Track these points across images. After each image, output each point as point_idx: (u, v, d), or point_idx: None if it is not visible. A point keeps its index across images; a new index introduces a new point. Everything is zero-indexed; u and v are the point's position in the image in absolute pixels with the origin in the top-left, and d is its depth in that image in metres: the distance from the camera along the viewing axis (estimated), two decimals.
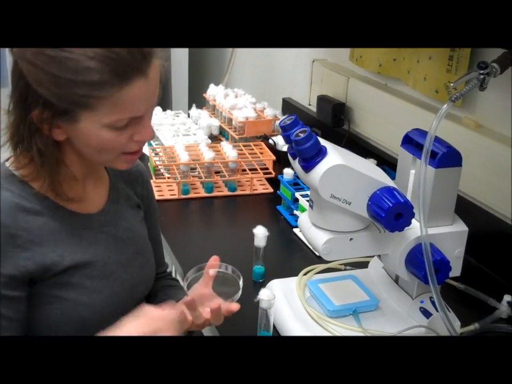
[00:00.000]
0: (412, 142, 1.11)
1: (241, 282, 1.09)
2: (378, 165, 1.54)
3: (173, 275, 1.59)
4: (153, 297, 1.24)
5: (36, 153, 0.97)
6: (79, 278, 1.02)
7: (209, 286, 1.12)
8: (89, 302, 1.02)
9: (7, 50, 0.98)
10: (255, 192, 1.84)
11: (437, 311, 1.07)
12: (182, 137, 2.04)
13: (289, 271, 1.33)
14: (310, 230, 1.10)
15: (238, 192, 1.83)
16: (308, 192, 1.58)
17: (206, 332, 1.26)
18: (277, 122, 2.14)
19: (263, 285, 1.30)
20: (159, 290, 1.26)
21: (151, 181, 1.83)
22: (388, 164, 1.71)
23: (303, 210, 1.55)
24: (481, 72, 1.05)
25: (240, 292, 1.07)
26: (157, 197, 1.74)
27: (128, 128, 0.97)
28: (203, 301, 1.09)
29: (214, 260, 1.14)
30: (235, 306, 1.06)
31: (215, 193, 1.82)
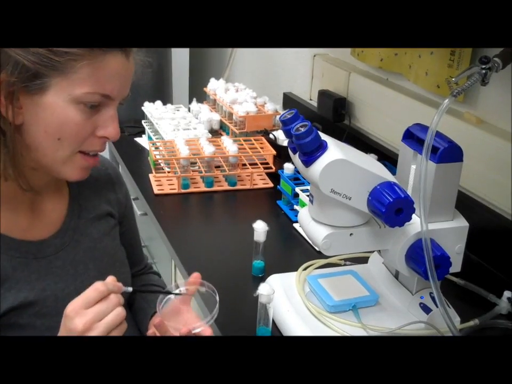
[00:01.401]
0: (413, 137, 1.11)
1: (217, 299, 1.03)
2: (379, 160, 1.54)
3: (172, 270, 1.59)
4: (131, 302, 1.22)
5: None
6: (27, 318, 0.95)
7: (188, 303, 1.06)
8: None
9: None
10: (255, 186, 1.83)
11: (437, 306, 1.07)
12: (182, 132, 2.04)
13: (288, 266, 1.33)
14: (310, 225, 1.09)
15: (238, 187, 1.83)
16: (308, 187, 1.58)
17: None
18: (278, 117, 2.12)
19: (262, 279, 1.30)
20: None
21: (151, 175, 1.84)
22: (388, 159, 1.71)
23: (303, 205, 1.55)
24: (483, 67, 1.04)
25: (215, 312, 1.01)
26: (156, 191, 1.75)
27: (95, 115, 0.91)
28: (179, 317, 1.04)
29: (196, 277, 1.05)
30: (207, 332, 0.99)
31: (215, 188, 1.81)
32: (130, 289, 0.94)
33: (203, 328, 0.99)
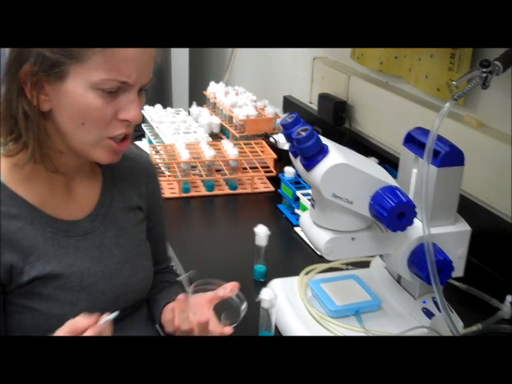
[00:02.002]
0: (414, 141, 1.10)
1: (243, 308, 1.05)
2: (379, 163, 1.54)
3: None
4: (153, 294, 1.22)
5: (22, 118, 0.93)
6: (51, 289, 0.98)
7: (212, 304, 1.07)
8: (61, 314, 0.97)
9: None
10: (256, 190, 1.83)
11: (440, 311, 1.06)
12: (183, 135, 2.03)
13: (290, 270, 1.33)
14: (311, 229, 1.09)
15: (238, 191, 1.82)
16: (309, 191, 1.58)
17: None
18: (278, 120, 2.13)
19: (264, 284, 1.30)
20: (154, 287, 1.23)
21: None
22: (389, 162, 1.70)
23: (304, 209, 1.55)
24: (484, 70, 1.04)
25: (240, 319, 1.03)
26: None
27: (115, 100, 0.93)
28: (197, 310, 1.04)
29: (234, 286, 1.06)
30: (227, 330, 1.01)
31: (215, 192, 1.81)
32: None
33: (223, 328, 1.01)
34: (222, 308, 1.08)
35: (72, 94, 0.92)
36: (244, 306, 1.06)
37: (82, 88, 0.91)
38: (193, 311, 1.03)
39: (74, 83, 0.91)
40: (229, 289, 1.06)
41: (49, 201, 1.01)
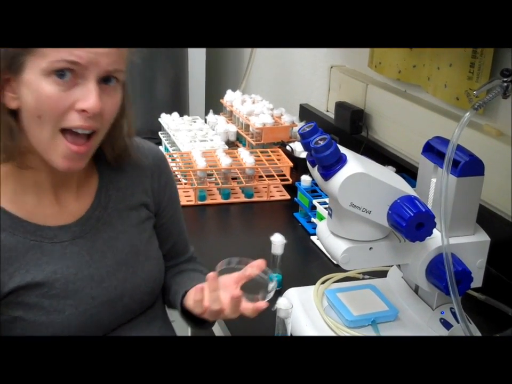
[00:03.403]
0: (433, 150, 1.09)
1: (273, 286, 1.03)
2: (396, 172, 1.53)
3: None
4: (170, 280, 1.21)
5: None
6: (35, 298, 0.97)
7: (239, 284, 1.04)
8: (48, 322, 0.97)
9: None
10: (272, 198, 1.83)
11: (458, 322, 1.05)
12: (199, 143, 2.04)
13: (306, 279, 1.32)
14: (328, 238, 1.08)
15: (254, 199, 1.82)
16: (326, 200, 1.57)
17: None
18: (295, 128, 2.13)
19: (280, 293, 1.29)
20: (179, 273, 1.22)
21: None
22: (406, 171, 1.69)
23: (320, 217, 1.54)
24: (505, 79, 1.03)
25: (270, 296, 1.02)
26: None
27: (72, 89, 0.91)
28: (226, 290, 1.02)
29: (261, 263, 1.05)
30: (261, 304, 1.00)
31: (231, 200, 1.81)
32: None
33: (255, 304, 1.00)
34: (251, 287, 1.05)
35: (28, 85, 0.91)
36: (273, 284, 1.04)
37: (36, 77, 0.90)
38: (222, 291, 1.00)
39: (30, 73, 0.91)
40: (255, 267, 1.04)
41: (35, 210, 1.01)
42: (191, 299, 1.06)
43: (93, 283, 1.03)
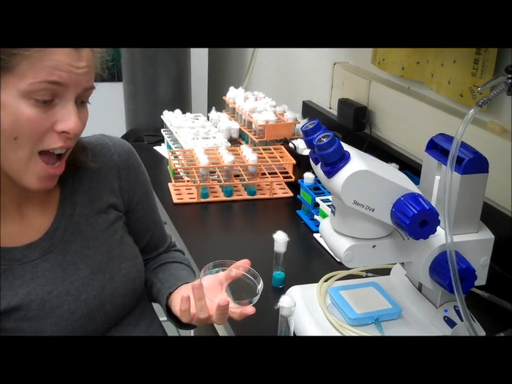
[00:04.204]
0: (436, 147, 1.09)
1: (260, 288, 1.04)
2: (400, 169, 1.52)
3: None
4: (152, 274, 1.20)
5: None
6: (13, 322, 0.95)
7: (224, 285, 1.05)
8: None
9: None
10: (275, 196, 1.82)
11: (462, 320, 1.05)
12: (202, 140, 2.03)
13: (309, 277, 1.31)
14: (331, 236, 1.08)
15: (257, 196, 1.82)
16: (329, 197, 1.56)
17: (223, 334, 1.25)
18: (297, 125, 2.12)
19: (283, 291, 1.29)
20: (160, 266, 1.21)
21: (170, 184, 1.83)
22: (409, 168, 1.69)
23: (323, 215, 1.53)
24: (509, 76, 1.02)
25: (257, 298, 1.02)
26: (176, 201, 1.74)
27: (51, 110, 0.89)
28: (212, 295, 1.02)
29: (245, 263, 1.05)
30: (250, 310, 1.00)
31: (234, 197, 1.80)
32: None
33: (242, 308, 1.00)
34: (238, 289, 1.05)
35: (3, 107, 0.87)
36: (260, 285, 1.04)
37: (13, 99, 0.87)
38: (208, 297, 1.00)
39: (6, 94, 0.87)
40: (240, 267, 1.04)
41: (1, 233, 0.97)
42: (177, 307, 1.04)
43: (69, 298, 1.00)
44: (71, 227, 1.04)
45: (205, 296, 0.99)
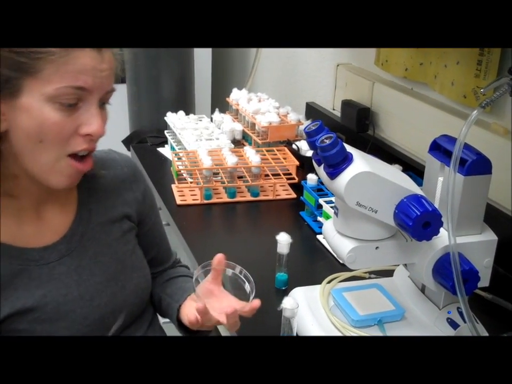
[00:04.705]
0: (440, 149, 1.09)
1: (247, 287, 1.04)
2: (403, 171, 1.52)
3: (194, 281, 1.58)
4: (160, 290, 1.21)
5: None
6: (27, 324, 0.95)
7: (218, 282, 1.05)
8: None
9: None
10: (278, 197, 1.82)
11: (465, 322, 1.04)
12: (205, 142, 2.03)
13: (312, 278, 1.31)
14: (334, 237, 1.08)
15: (260, 198, 1.82)
16: (332, 199, 1.56)
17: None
18: (301, 127, 2.12)
19: (285, 292, 1.29)
20: (167, 282, 1.22)
21: (173, 185, 1.83)
22: (413, 169, 1.68)
23: (327, 216, 1.53)
24: None
25: (251, 296, 1.02)
26: (179, 202, 1.74)
27: (75, 114, 0.90)
28: (212, 298, 1.03)
29: (219, 258, 1.04)
30: (257, 302, 0.99)
31: (237, 199, 1.80)
32: None
33: (250, 304, 1.00)
34: (235, 290, 1.06)
35: (27, 110, 0.88)
36: (247, 285, 1.04)
37: (38, 102, 0.88)
38: (210, 307, 1.00)
39: (30, 98, 0.88)
40: (216, 262, 1.04)
41: (18, 232, 0.98)
42: (186, 317, 1.07)
43: (83, 302, 1.01)
44: (87, 233, 1.06)
45: (210, 307, 1.00)
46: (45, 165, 0.93)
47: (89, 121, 0.92)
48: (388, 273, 1.29)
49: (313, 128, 1.01)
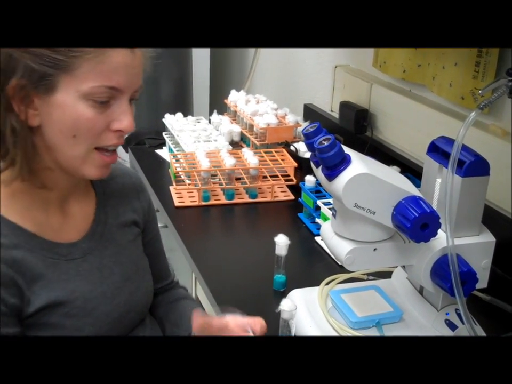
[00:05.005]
0: (438, 150, 1.09)
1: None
2: (401, 172, 1.52)
3: (192, 283, 1.58)
4: (162, 315, 1.22)
5: (9, 133, 0.90)
6: (56, 318, 0.96)
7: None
8: None
9: None
10: (276, 199, 1.82)
11: (463, 323, 1.04)
12: (203, 144, 2.03)
13: (310, 280, 1.31)
14: (333, 239, 1.07)
15: (258, 199, 1.81)
16: (330, 200, 1.56)
17: None
18: (299, 128, 2.12)
19: (284, 294, 1.29)
20: (168, 305, 1.23)
21: (171, 187, 1.83)
22: (411, 171, 1.68)
23: (325, 218, 1.53)
24: (511, 79, 1.02)
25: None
26: (177, 204, 1.74)
27: (107, 110, 0.93)
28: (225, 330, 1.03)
29: (263, 325, 1.04)
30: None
31: (235, 200, 1.80)
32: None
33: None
34: None
35: (62, 106, 0.91)
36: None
37: (72, 99, 0.90)
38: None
39: (64, 94, 0.90)
40: (259, 330, 1.04)
41: (45, 225, 0.99)
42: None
43: (105, 300, 1.03)
44: (105, 234, 1.08)
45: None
46: (76, 158, 0.95)
47: (120, 117, 0.95)
48: (386, 274, 1.29)
49: (311, 129, 1.01)
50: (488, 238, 1.09)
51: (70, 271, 1.00)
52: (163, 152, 2.18)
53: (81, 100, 0.91)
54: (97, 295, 1.02)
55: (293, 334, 1.10)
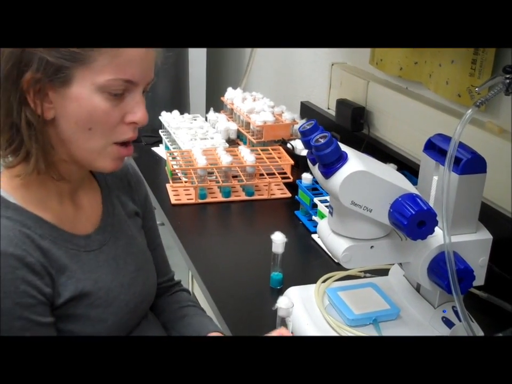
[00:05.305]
0: (434, 148, 1.09)
1: None
2: (398, 169, 1.52)
3: (189, 281, 1.58)
4: (166, 320, 1.20)
5: (25, 127, 0.90)
6: (82, 309, 0.97)
7: None
8: (93, 333, 0.97)
9: None
10: (273, 197, 1.82)
11: (460, 321, 1.04)
12: (200, 141, 2.03)
13: (307, 278, 1.31)
14: (329, 237, 1.07)
15: (255, 197, 1.81)
16: (327, 198, 1.56)
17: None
18: (295, 126, 2.12)
19: (280, 292, 1.29)
20: (174, 314, 1.21)
21: (168, 185, 1.83)
22: (408, 168, 1.68)
23: (322, 216, 1.53)
24: (507, 76, 1.03)
25: None
26: (173, 201, 1.74)
27: (121, 103, 0.93)
28: None
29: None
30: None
31: (232, 198, 1.80)
32: None
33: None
34: None
35: (77, 99, 0.90)
36: None
37: (88, 92, 0.90)
38: None
39: (80, 87, 0.90)
40: None
41: (62, 217, 0.99)
42: None
43: (124, 289, 1.04)
44: (115, 225, 1.09)
45: None
46: (92, 151, 0.95)
47: (134, 109, 0.95)
48: (383, 272, 1.29)
49: (308, 127, 1.00)
50: (485, 236, 1.09)
51: (91, 262, 1.00)
52: (159, 150, 2.17)
53: (96, 92, 0.90)
54: (117, 285, 1.03)
55: (290, 332, 1.10)
